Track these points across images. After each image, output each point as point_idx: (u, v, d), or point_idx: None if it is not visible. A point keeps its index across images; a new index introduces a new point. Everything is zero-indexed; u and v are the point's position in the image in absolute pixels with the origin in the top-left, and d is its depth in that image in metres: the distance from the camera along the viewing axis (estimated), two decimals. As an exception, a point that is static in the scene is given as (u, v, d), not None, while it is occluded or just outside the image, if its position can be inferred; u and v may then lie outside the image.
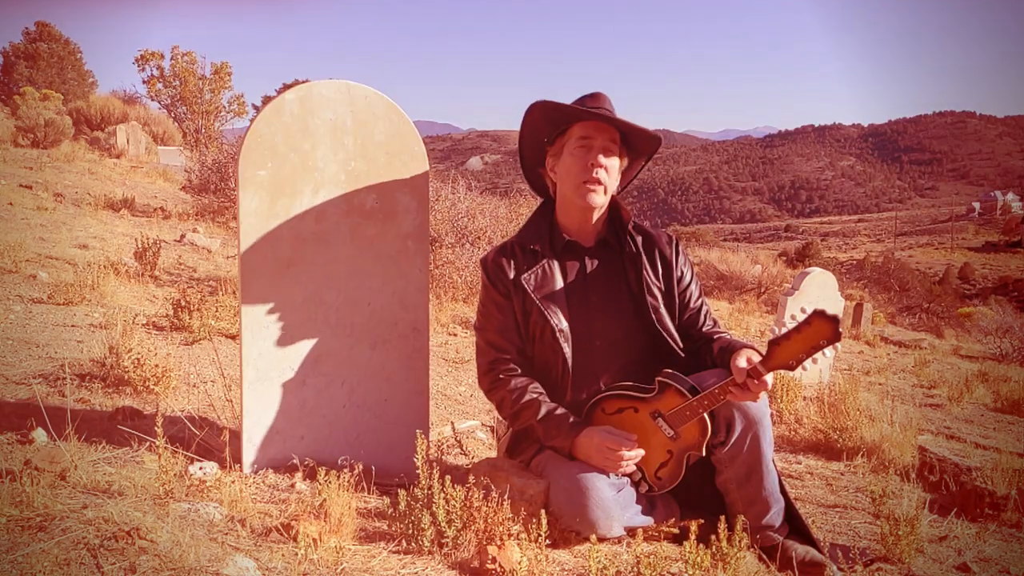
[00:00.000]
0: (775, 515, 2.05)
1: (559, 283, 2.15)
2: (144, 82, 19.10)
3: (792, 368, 1.88)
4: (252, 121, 2.14)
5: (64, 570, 1.37)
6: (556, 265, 2.17)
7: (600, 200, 2.11)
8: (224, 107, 19.65)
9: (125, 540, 1.48)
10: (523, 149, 2.25)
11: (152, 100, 19.41)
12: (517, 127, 2.22)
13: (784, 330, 2.01)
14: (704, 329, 2.20)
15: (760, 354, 1.93)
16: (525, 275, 2.13)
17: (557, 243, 2.19)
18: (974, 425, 4.73)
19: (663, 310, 2.17)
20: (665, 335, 2.14)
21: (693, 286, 2.25)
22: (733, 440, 1.98)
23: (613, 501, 1.93)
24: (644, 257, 2.19)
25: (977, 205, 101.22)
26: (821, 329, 1.84)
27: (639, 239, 2.22)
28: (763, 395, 1.94)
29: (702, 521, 1.85)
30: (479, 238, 6.86)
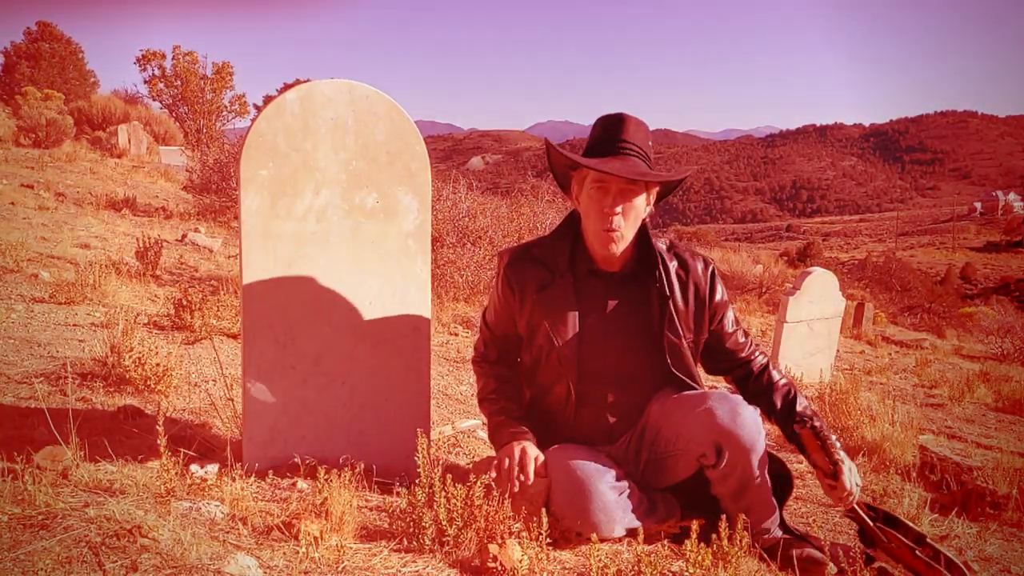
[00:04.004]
0: (771, 522, 2.05)
1: (574, 308, 2.04)
2: (145, 82, 19.12)
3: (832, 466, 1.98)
4: (253, 121, 2.14)
5: (66, 568, 1.38)
6: (575, 288, 2.06)
7: (620, 247, 2.01)
8: (225, 107, 19.66)
9: (127, 538, 1.48)
10: (552, 168, 2.14)
11: (154, 100, 19.44)
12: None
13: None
14: (743, 355, 2.18)
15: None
16: (540, 292, 2.05)
17: (580, 266, 2.08)
18: (975, 425, 4.73)
19: (686, 349, 2.08)
20: (685, 378, 2.07)
21: (728, 319, 2.16)
22: (724, 463, 1.94)
23: (615, 504, 1.92)
24: (676, 290, 2.07)
25: (979, 205, 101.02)
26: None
27: (673, 265, 2.09)
28: (754, 416, 1.95)
29: (702, 521, 1.85)
30: (480, 238, 6.87)
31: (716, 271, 2.15)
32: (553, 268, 2.07)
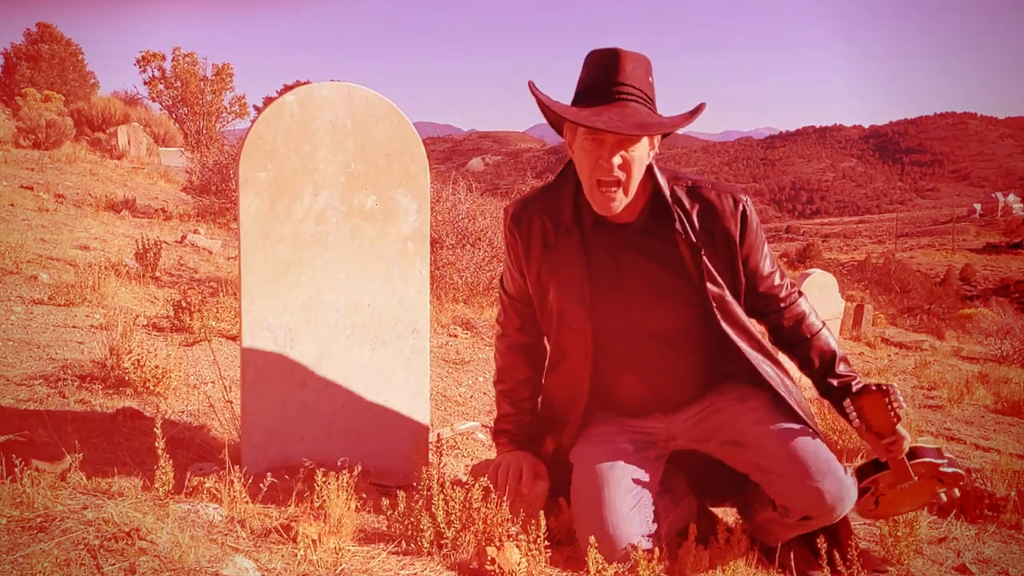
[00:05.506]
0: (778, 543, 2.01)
1: (583, 266, 1.85)
2: (145, 83, 19.12)
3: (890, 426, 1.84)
4: (253, 122, 2.14)
5: (64, 571, 1.38)
6: (582, 242, 1.85)
7: (619, 202, 1.76)
8: (225, 108, 19.66)
9: (125, 541, 1.48)
10: (542, 111, 1.87)
11: (153, 101, 19.44)
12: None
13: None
14: (779, 298, 1.94)
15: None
16: (545, 250, 1.88)
17: (586, 218, 1.85)
18: (974, 427, 4.74)
19: (729, 297, 1.84)
20: (733, 333, 1.84)
21: (762, 262, 1.90)
22: (797, 523, 1.85)
23: (641, 541, 1.81)
24: (701, 234, 1.81)
25: (978, 206, 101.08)
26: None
27: (695, 208, 1.82)
28: (854, 495, 1.84)
29: (695, 531, 1.83)
30: (480, 239, 6.87)
31: (748, 208, 1.85)
32: (557, 221, 1.87)
